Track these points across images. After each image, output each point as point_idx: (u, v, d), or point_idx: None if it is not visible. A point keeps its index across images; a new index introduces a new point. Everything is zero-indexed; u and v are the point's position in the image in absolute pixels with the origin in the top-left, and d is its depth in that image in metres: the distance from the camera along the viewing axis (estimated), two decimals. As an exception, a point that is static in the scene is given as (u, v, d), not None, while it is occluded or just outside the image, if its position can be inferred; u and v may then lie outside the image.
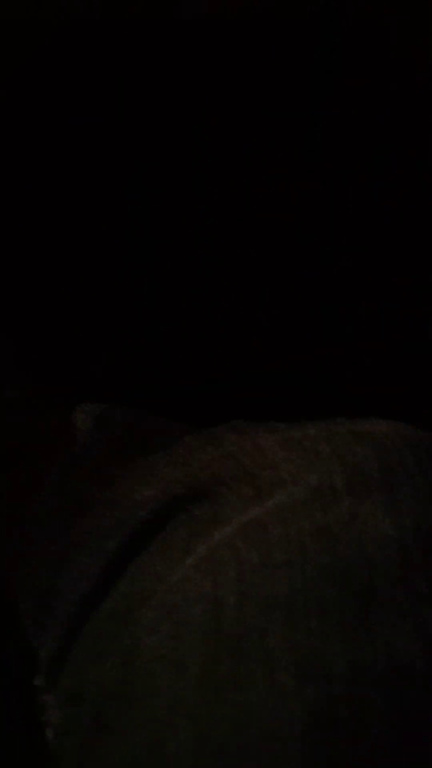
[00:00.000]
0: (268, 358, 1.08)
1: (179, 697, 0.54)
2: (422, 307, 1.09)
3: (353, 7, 1.06)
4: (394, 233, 1.09)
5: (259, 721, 0.52)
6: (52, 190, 1.08)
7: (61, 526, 0.69)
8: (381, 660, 0.52)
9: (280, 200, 1.09)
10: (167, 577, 0.58)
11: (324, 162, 1.08)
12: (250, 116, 1.08)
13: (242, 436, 0.64)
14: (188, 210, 1.09)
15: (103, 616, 0.60)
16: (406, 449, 0.60)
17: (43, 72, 1.06)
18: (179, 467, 0.64)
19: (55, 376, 0.99)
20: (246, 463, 0.62)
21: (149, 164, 1.08)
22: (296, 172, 1.08)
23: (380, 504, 0.56)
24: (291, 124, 1.08)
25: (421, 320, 1.09)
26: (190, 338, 1.08)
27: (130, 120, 1.08)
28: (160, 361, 1.07)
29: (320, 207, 1.09)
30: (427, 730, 0.53)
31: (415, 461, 0.59)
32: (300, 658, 0.53)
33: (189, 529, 0.60)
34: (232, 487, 0.61)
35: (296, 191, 1.08)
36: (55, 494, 0.73)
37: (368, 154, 1.08)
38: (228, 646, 0.54)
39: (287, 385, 1.04)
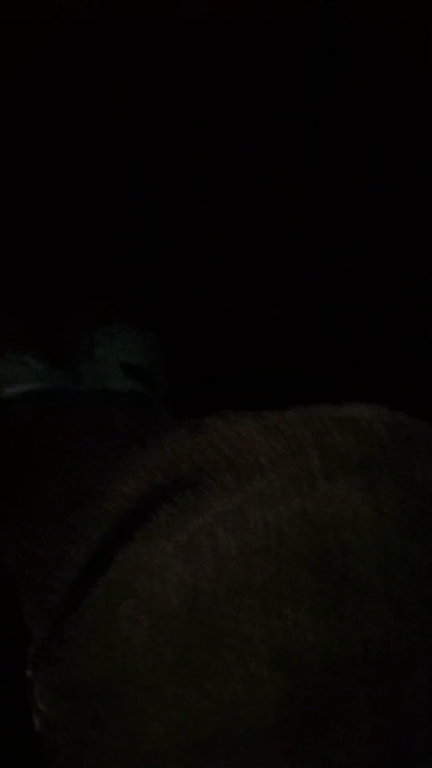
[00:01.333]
0: (268, 358, 1.07)
1: (155, 687, 0.53)
2: (422, 307, 1.08)
3: (353, 7, 1.05)
4: (394, 233, 1.09)
5: (233, 710, 0.51)
6: (52, 191, 1.08)
7: (58, 520, 0.68)
8: (357, 648, 0.51)
9: (280, 200, 1.08)
10: (147, 564, 0.58)
11: (324, 162, 1.08)
12: (250, 116, 1.08)
13: (226, 424, 0.63)
14: (188, 210, 1.08)
15: (86, 606, 0.60)
16: (386, 433, 0.58)
17: (43, 72, 1.06)
18: (164, 457, 0.63)
19: (56, 371, 0.98)
20: (226, 451, 0.61)
21: (149, 164, 1.08)
22: (296, 172, 1.08)
23: (358, 488, 0.55)
24: (291, 124, 1.08)
25: (421, 320, 1.08)
26: (190, 338, 1.08)
27: (130, 120, 1.07)
28: (161, 361, 1.06)
29: (320, 207, 1.08)
30: (407, 716, 0.52)
31: (396, 445, 0.58)
32: (275, 646, 0.52)
33: (170, 517, 0.60)
34: (212, 475, 0.60)
35: (296, 191, 1.08)
36: (56, 489, 0.72)
37: (368, 154, 1.08)
38: (204, 635, 0.53)
39: (287, 384, 1.04)
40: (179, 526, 0.59)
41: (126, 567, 0.59)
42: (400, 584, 0.53)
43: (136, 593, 0.56)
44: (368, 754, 0.51)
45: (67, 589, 0.63)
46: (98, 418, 0.80)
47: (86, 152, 1.07)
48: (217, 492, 0.59)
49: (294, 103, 1.07)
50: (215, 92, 1.07)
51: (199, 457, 0.61)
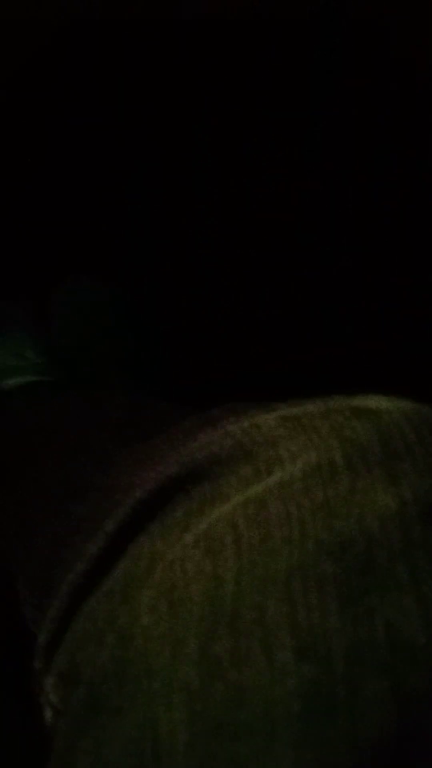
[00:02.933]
0: (268, 358, 1.07)
1: (176, 676, 0.51)
2: (422, 307, 1.08)
3: (353, 7, 1.05)
4: (394, 233, 1.08)
5: (256, 699, 0.50)
6: (52, 191, 1.07)
7: (60, 512, 0.67)
8: (381, 637, 0.50)
9: (280, 200, 1.08)
10: (165, 555, 0.56)
11: (324, 162, 1.07)
12: (250, 116, 1.07)
13: (240, 416, 0.62)
14: (188, 209, 1.08)
15: (101, 596, 0.58)
16: (405, 423, 0.57)
17: (43, 72, 1.05)
18: (177, 448, 0.62)
19: (55, 365, 0.98)
20: (244, 442, 0.60)
21: (149, 164, 1.07)
22: (296, 172, 1.07)
23: (380, 478, 0.54)
24: (291, 124, 1.07)
25: (421, 320, 1.07)
26: (189, 338, 1.07)
27: (130, 120, 1.07)
28: (161, 360, 1.06)
29: (320, 207, 1.08)
30: (429, 708, 0.50)
31: (416, 435, 0.57)
32: (298, 635, 0.50)
33: (187, 508, 0.58)
34: (230, 466, 0.59)
35: (296, 191, 1.07)
36: (55, 481, 0.71)
37: (368, 154, 1.07)
38: (226, 624, 0.52)
39: (287, 384, 1.03)
40: (197, 517, 0.58)
41: (143, 557, 0.58)
42: (423, 572, 0.52)
43: (155, 583, 0.55)
44: (384, 742, 0.49)
45: (78, 580, 0.62)
46: (95, 408, 0.78)
47: (86, 152, 1.06)
48: (235, 483, 0.58)
49: (294, 103, 1.06)
50: (215, 92, 1.06)
51: (216, 448, 0.60)
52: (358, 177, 1.07)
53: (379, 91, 1.06)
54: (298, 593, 0.51)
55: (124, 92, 1.05)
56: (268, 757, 0.48)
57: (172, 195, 1.06)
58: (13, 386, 0.91)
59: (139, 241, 1.06)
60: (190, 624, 0.52)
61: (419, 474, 0.55)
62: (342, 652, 0.50)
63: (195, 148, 1.06)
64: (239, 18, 1.05)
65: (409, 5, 1.04)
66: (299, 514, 0.54)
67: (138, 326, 1.06)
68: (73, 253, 1.06)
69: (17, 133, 1.06)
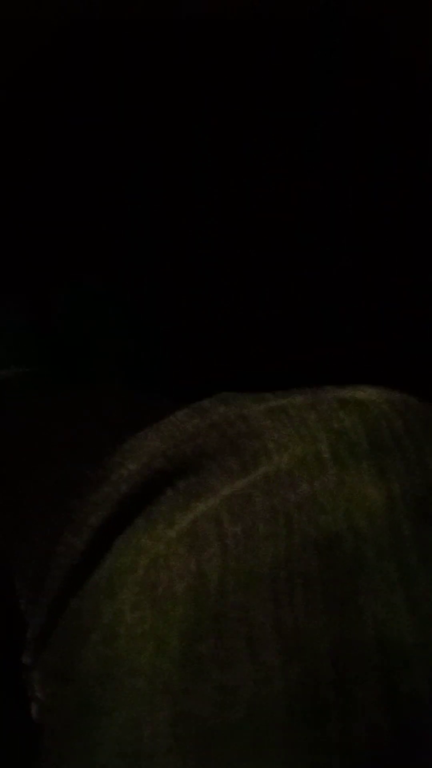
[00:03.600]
0: (268, 358, 1.06)
1: (160, 676, 0.50)
2: (422, 307, 1.07)
3: (353, 7, 1.04)
4: (394, 233, 1.07)
5: (241, 700, 0.49)
6: (52, 191, 1.06)
7: (56, 507, 0.66)
8: (369, 636, 0.49)
9: (280, 200, 1.07)
10: (150, 550, 0.56)
11: (324, 162, 1.06)
12: (250, 116, 1.06)
13: (228, 406, 0.61)
14: (188, 210, 1.07)
15: (87, 593, 0.58)
16: (394, 415, 0.57)
17: (43, 72, 1.04)
18: (164, 440, 0.61)
19: (53, 360, 0.97)
20: (231, 434, 0.59)
21: (149, 164, 1.06)
22: (296, 172, 1.06)
23: (368, 471, 0.53)
24: (291, 124, 1.06)
25: (421, 320, 1.06)
26: (189, 338, 1.06)
27: (130, 120, 1.06)
28: (161, 360, 1.05)
29: (320, 207, 1.07)
30: (420, 709, 0.49)
31: (405, 427, 0.56)
32: (284, 634, 0.49)
33: (173, 502, 0.57)
34: (216, 458, 0.58)
35: (296, 191, 1.07)
36: (52, 478, 0.70)
37: (368, 154, 1.07)
38: (211, 623, 0.51)
39: (287, 384, 1.02)
40: (182, 511, 0.57)
41: (128, 552, 0.57)
42: (413, 569, 0.51)
43: (139, 580, 0.54)
44: (375, 744, 0.48)
45: (65, 575, 0.61)
46: (94, 407, 0.78)
47: (86, 152, 1.06)
48: (221, 477, 0.57)
49: (294, 103, 1.06)
50: (215, 92, 1.06)
51: (202, 440, 0.59)
52: (358, 177, 1.06)
53: (379, 91, 1.05)
54: (283, 592, 0.50)
55: (124, 92, 1.05)
56: (254, 759, 0.48)
57: (172, 195, 1.05)
58: (12, 384, 0.91)
59: (139, 241, 1.05)
60: (174, 622, 0.51)
61: (408, 468, 0.54)
62: (329, 653, 0.49)
63: (195, 147, 1.05)
64: (239, 18, 1.04)
65: (409, 5, 1.03)
66: (285, 509, 0.53)
67: (138, 326, 1.05)
68: (73, 253, 1.05)
69: (17, 133, 1.05)
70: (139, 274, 1.05)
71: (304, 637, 0.50)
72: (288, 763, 0.48)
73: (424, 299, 1.06)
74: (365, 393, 0.59)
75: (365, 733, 0.49)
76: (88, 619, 0.56)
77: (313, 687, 0.49)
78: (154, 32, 1.04)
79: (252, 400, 0.61)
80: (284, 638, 0.50)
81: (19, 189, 1.05)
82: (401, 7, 1.03)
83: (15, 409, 0.86)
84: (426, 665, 0.49)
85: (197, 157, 1.06)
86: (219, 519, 0.54)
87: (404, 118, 1.06)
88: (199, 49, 1.04)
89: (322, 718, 0.48)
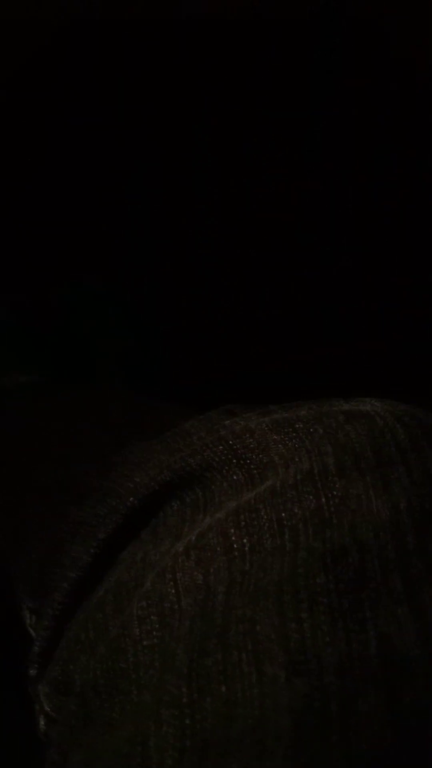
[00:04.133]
0: (268, 358, 1.06)
1: (166, 689, 0.50)
2: (422, 307, 1.07)
3: (353, 7, 1.03)
4: (394, 233, 1.07)
5: (246, 713, 0.48)
6: (52, 191, 1.06)
7: (58, 514, 0.66)
8: (374, 650, 0.49)
9: (280, 200, 1.06)
10: (157, 564, 0.55)
11: (324, 162, 1.06)
12: (250, 116, 1.06)
13: (234, 419, 0.60)
14: (188, 210, 1.06)
15: (93, 606, 0.57)
16: (399, 427, 0.56)
17: (43, 72, 1.04)
18: (171, 453, 0.61)
19: (53, 360, 0.97)
20: (237, 448, 0.58)
21: (149, 164, 1.06)
22: (296, 172, 1.06)
23: (373, 485, 0.53)
24: (291, 124, 1.06)
25: (421, 320, 1.06)
26: (189, 338, 1.06)
27: (130, 120, 1.05)
28: (161, 360, 1.05)
29: (320, 207, 1.07)
30: (423, 721, 0.49)
31: (409, 439, 0.55)
32: (289, 648, 0.49)
33: (180, 516, 0.57)
34: (223, 472, 0.58)
35: (296, 191, 1.06)
36: (54, 483, 0.70)
37: (368, 154, 1.06)
38: (217, 637, 0.50)
39: (287, 384, 1.02)
40: (189, 525, 0.56)
41: (135, 566, 0.57)
42: (418, 581, 0.51)
43: (146, 594, 0.54)
44: (379, 756, 0.48)
45: (72, 588, 0.61)
46: (94, 408, 0.77)
47: (86, 152, 1.05)
48: (227, 490, 0.56)
49: (294, 103, 1.05)
50: (215, 92, 1.05)
51: (209, 453, 0.59)
52: (358, 177, 1.06)
53: (379, 91, 1.04)
54: (289, 606, 0.50)
55: (124, 92, 1.04)
56: None
57: (171, 195, 1.05)
58: (12, 385, 0.90)
59: (139, 241, 1.05)
60: (180, 636, 0.51)
61: (412, 480, 0.53)
62: (334, 666, 0.49)
63: (195, 147, 1.05)
64: (239, 18, 1.04)
65: (409, 5, 1.03)
66: (291, 523, 0.53)
67: (138, 326, 1.05)
68: (73, 253, 1.05)
69: (17, 133, 1.05)
70: (139, 274, 1.05)
71: (309, 651, 0.49)
72: None
73: (424, 299, 1.06)
74: (370, 406, 0.58)
75: (369, 745, 0.48)
76: (95, 632, 0.56)
77: (318, 700, 0.48)
78: (154, 32, 1.04)
79: (258, 413, 0.61)
80: (289, 652, 0.49)
81: (19, 189, 1.05)
82: (401, 7, 1.02)
83: (15, 409, 0.86)
84: (430, 677, 0.49)
85: (197, 157, 1.05)
86: (225, 532, 0.53)
87: (404, 118, 1.05)
88: (199, 49, 1.04)
89: (326, 731, 0.48)
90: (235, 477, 0.57)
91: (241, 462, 0.57)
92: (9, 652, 0.68)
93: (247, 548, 0.53)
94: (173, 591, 0.53)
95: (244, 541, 0.53)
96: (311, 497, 0.53)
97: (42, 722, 0.60)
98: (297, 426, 0.58)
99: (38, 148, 1.05)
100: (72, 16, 1.02)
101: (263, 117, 1.05)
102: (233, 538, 0.53)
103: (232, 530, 0.54)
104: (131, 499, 0.59)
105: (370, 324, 1.05)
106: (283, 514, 0.53)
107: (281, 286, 1.06)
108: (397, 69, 1.04)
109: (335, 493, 0.53)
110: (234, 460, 0.58)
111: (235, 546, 0.53)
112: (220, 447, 0.59)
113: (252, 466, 0.57)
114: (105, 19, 1.03)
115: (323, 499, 0.53)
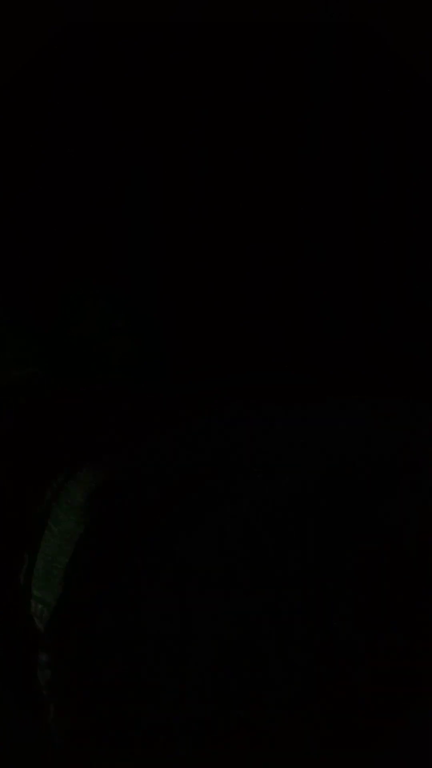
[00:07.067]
0: (268, 357, 1.04)
1: (182, 707, 0.49)
2: (422, 307, 1.05)
3: (352, 8, 1.02)
4: (394, 233, 1.05)
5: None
6: (52, 191, 1.05)
7: (69, 509, 0.64)
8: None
9: (279, 202, 1.05)
10: (175, 554, 0.54)
11: (323, 164, 1.05)
12: (250, 117, 1.05)
13: (246, 420, 0.60)
14: (188, 211, 1.05)
15: (111, 598, 0.56)
16: (396, 429, 0.56)
17: (43, 72, 1.03)
18: (185, 449, 0.60)
19: (53, 360, 0.96)
20: (256, 444, 0.58)
21: (149, 164, 1.05)
22: (296, 174, 1.05)
23: (394, 486, 0.52)
24: (290, 126, 1.05)
25: (421, 320, 1.05)
26: (190, 337, 1.05)
27: (129, 121, 1.04)
28: (161, 360, 1.04)
29: (320, 207, 1.05)
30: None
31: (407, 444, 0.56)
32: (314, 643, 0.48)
33: (199, 507, 0.56)
34: (240, 468, 0.57)
35: (296, 191, 1.05)
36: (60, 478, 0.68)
37: (368, 154, 1.05)
38: (240, 626, 0.49)
39: (287, 384, 1.00)
40: (209, 513, 0.55)
41: (153, 557, 0.55)
42: None
43: (166, 583, 0.52)
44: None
45: (89, 581, 0.59)
46: (93, 402, 0.76)
47: (86, 153, 1.04)
48: (245, 484, 0.56)
49: (293, 105, 1.04)
50: (215, 93, 1.04)
51: (226, 451, 0.58)
52: (357, 178, 1.04)
53: (378, 92, 1.03)
54: (312, 600, 0.49)
55: (123, 93, 1.03)
56: None
57: (171, 195, 1.04)
58: (15, 384, 0.89)
59: (139, 240, 1.04)
60: (202, 630, 0.50)
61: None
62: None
63: (194, 149, 1.03)
64: (237, 22, 1.03)
65: (409, 5, 1.01)
66: (314, 520, 0.52)
67: (138, 326, 1.03)
68: (74, 253, 1.03)
69: (17, 133, 1.03)
70: (139, 273, 1.03)
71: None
72: None
73: (424, 299, 1.04)
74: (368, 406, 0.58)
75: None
76: (110, 631, 0.54)
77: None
78: (154, 35, 1.03)
79: (265, 415, 0.60)
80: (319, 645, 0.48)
81: (20, 189, 1.03)
82: (401, 8, 1.01)
83: (21, 412, 0.85)
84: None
85: (197, 159, 1.04)
86: (247, 522, 0.52)
87: (404, 118, 1.04)
88: (199, 51, 1.03)
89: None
90: (252, 472, 0.56)
91: (259, 458, 0.57)
92: (9, 652, 0.67)
93: (269, 539, 0.52)
94: (193, 584, 0.52)
95: (265, 532, 0.52)
96: (324, 500, 0.53)
97: (52, 710, 0.58)
98: (300, 430, 0.58)
99: (38, 149, 1.03)
100: (72, 17, 1.02)
101: (262, 120, 1.04)
102: (255, 528, 0.52)
103: (253, 522, 0.53)
104: (148, 493, 0.58)
105: (370, 324, 1.04)
106: (304, 510, 0.53)
107: (281, 287, 1.04)
108: (397, 69, 1.03)
109: (354, 492, 0.52)
110: (248, 458, 0.57)
111: (255, 537, 0.52)
112: (236, 446, 0.58)
113: (270, 464, 0.56)
114: (104, 21, 1.02)
115: (343, 498, 0.53)
